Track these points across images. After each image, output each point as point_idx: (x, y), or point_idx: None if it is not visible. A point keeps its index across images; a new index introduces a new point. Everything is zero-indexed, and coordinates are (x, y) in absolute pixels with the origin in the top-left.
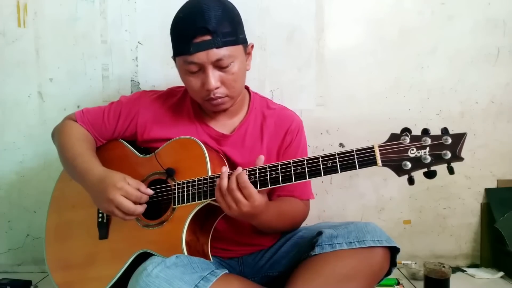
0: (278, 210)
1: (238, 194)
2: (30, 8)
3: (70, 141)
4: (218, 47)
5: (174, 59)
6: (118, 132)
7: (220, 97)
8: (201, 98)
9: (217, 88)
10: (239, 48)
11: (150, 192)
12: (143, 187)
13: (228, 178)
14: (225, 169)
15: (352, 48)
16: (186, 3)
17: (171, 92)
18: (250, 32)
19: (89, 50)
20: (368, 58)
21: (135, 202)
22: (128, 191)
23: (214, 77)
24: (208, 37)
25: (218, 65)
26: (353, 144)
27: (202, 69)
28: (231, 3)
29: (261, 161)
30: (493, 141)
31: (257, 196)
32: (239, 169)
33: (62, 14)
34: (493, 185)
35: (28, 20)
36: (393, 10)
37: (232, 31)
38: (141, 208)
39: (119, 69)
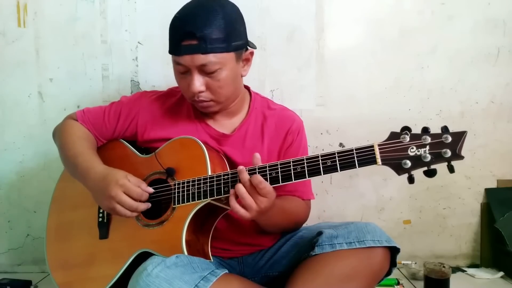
0: (282, 206)
1: (255, 192)
2: (30, 8)
3: (72, 140)
4: (203, 53)
5: None
6: (118, 132)
7: (205, 101)
8: (189, 98)
9: (200, 92)
10: (229, 55)
11: (150, 190)
12: (143, 185)
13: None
14: (242, 167)
15: (352, 48)
16: (187, 4)
17: (171, 92)
18: (250, 32)
19: (89, 50)
20: (368, 58)
21: (136, 200)
22: (130, 188)
23: (198, 81)
24: (194, 42)
25: (204, 70)
26: (353, 144)
27: (189, 71)
28: (232, 8)
29: (257, 158)
30: (493, 141)
31: (272, 190)
32: (241, 167)
33: (62, 14)
34: (493, 185)
35: (28, 20)
36: (393, 10)
37: (223, 38)
38: (142, 206)
39: (119, 69)
